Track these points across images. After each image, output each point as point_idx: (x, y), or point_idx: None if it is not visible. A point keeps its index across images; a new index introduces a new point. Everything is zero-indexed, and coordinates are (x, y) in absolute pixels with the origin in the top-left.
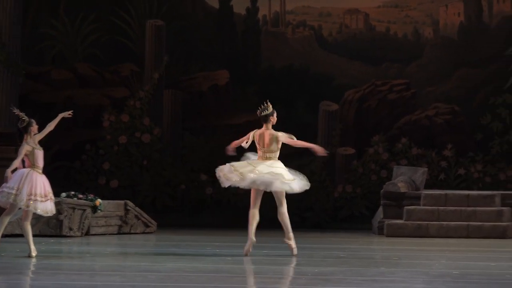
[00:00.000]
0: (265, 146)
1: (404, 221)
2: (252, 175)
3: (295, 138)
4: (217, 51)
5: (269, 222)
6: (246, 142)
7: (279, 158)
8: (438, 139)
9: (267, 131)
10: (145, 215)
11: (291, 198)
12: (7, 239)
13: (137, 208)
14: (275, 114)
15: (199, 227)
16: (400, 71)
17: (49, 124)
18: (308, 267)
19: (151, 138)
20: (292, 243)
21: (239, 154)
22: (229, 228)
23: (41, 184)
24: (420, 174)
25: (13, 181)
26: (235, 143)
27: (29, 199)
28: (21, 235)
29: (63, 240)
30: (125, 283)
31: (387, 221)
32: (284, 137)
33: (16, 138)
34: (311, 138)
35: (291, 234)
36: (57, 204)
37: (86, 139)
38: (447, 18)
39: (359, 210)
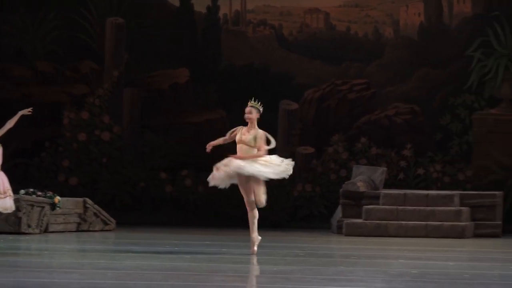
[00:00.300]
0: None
1: (363, 220)
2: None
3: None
4: (177, 49)
5: (233, 220)
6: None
7: None
8: (398, 139)
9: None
10: (104, 213)
11: None
12: None
13: (96, 206)
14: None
15: (158, 225)
16: (360, 71)
17: (8, 121)
18: (268, 265)
19: (111, 136)
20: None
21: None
22: (188, 226)
23: (0, 181)
24: (379, 173)
25: None
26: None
27: None
28: None
29: (22, 237)
30: (83, 280)
31: (346, 220)
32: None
33: None
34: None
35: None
36: (16, 201)
37: (46, 137)
38: (407, 18)
39: (318, 209)
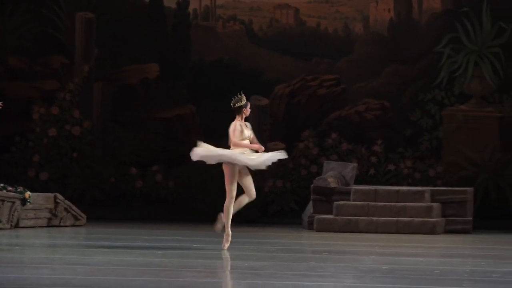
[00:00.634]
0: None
1: (334, 216)
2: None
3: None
4: (147, 44)
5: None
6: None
7: None
8: (368, 134)
9: (243, 123)
10: (75, 208)
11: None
12: None
13: (66, 201)
14: (248, 106)
15: (129, 220)
16: (330, 67)
17: None
18: (239, 261)
19: (81, 130)
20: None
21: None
22: (159, 222)
23: None
24: (350, 169)
25: None
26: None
27: None
28: None
29: None
30: (54, 276)
31: (317, 216)
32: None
33: None
34: None
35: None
36: None
37: (16, 132)
38: (377, 14)
39: (289, 205)
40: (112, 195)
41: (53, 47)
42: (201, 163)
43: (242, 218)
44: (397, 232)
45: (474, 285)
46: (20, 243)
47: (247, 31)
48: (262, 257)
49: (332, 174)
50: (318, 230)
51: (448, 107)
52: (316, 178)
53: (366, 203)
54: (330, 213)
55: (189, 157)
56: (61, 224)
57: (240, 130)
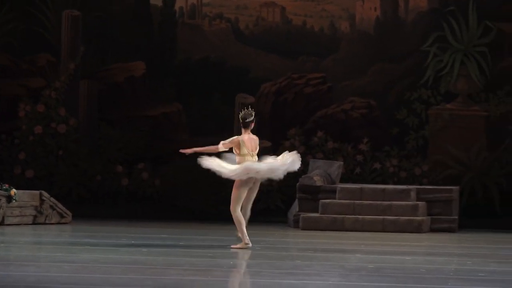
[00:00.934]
0: (252, 150)
1: (320, 214)
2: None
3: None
4: (133, 42)
5: (190, 214)
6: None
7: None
8: (354, 133)
9: (250, 136)
10: (61, 206)
11: (206, 190)
12: None
13: (52, 199)
14: (254, 121)
15: (115, 218)
16: (316, 65)
17: None
18: (224, 259)
19: (67, 128)
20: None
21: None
22: (144, 220)
23: None
24: (336, 167)
25: None
26: (202, 150)
27: None
28: None
29: None
30: (39, 273)
31: (302, 214)
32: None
33: None
34: (227, 131)
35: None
36: None
37: (1, 129)
38: (363, 13)
39: (275, 203)
40: (98, 193)
41: (40, 45)
42: (187, 161)
43: (227, 216)
44: (383, 230)
45: (459, 283)
46: (6, 241)
47: (233, 29)
48: (247, 255)
49: (318, 172)
50: (304, 229)
51: (434, 106)
52: (302, 176)
53: (352, 201)
54: (316, 211)
55: (176, 155)
56: (47, 221)
57: (239, 146)
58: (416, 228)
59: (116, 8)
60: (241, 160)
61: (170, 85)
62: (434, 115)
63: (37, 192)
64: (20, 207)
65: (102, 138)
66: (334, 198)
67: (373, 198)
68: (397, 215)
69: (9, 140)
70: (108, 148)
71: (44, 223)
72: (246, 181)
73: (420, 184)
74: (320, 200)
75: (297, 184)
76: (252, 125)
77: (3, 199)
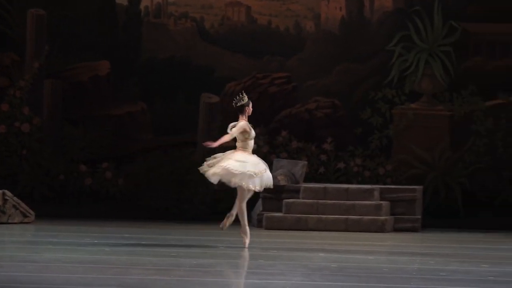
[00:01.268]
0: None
1: (283, 214)
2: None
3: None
4: (98, 41)
5: (153, 213)
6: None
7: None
8: (318, 132)
9: (246, 122)
10: (23, 205)
11: (169, 189)
12: None
13: (15, 198)
14: (250, 105)
15: (78, 217)
16: (281, 65)
17: None
18: (187, 259)
19: (31, 127)
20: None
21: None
22: (108, 219)
23: None
24: (300, 167)
25: None
26: (222, 142)
27: None
28: None
29: None
30: (2, 273)
31: (266, 214)
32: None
33: None
34: (192, 130)
35: (247, 228)
36: None
37: None
38: (328, 12)
39: None
40: (61, 192)
41: (4, 44)
42: (151, 160)
43: (191, 215)
44: (346, 230)
45: (422, 283)
46: None
47: (198, 28)
48: (210, 255)
49: (282, 172)
50: (267, 228)
51: (398, 105)
52: None
53: (316, 201)
54: (280, 211)
55: (139, 154)
56: (9, 221)
57: (248, 131)
58: (379, 228)
59: (81, 7)
60: (244, 146)
61: (135, 84)
62: (399, 115)
63: (0, 191)
64: None
65: (66, 137)
66: (298, 198)
67: (337, 197)
68: (360, 215)
69: None
70: (72, 147)
71: (7, 223)
72: None
73: (384, 184)
74: (284, 200)
75: None
76: (248, 110)
77: None
